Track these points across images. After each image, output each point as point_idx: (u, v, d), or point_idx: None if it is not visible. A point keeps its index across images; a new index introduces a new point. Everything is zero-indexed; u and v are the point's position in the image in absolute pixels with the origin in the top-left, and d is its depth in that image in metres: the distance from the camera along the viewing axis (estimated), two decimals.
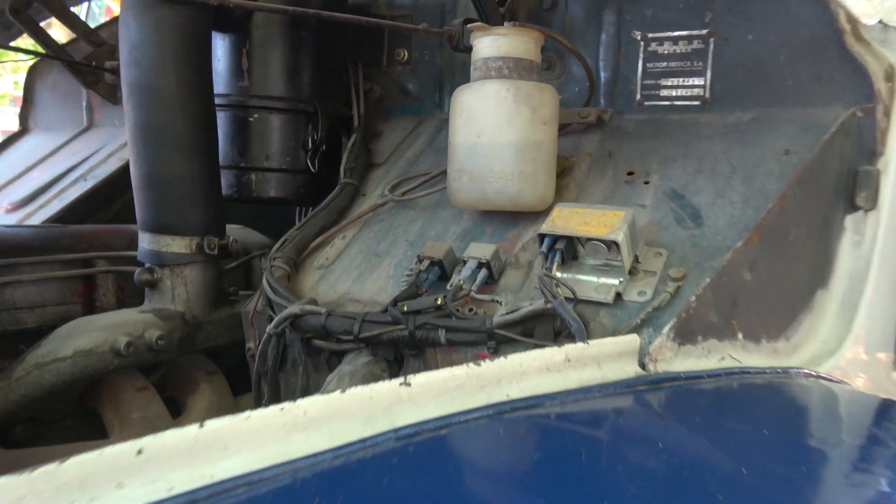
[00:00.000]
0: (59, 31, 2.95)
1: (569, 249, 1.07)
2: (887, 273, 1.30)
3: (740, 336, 1.06)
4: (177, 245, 1.32)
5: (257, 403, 1.23)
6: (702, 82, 1.34)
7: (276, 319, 1.14)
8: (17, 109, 2.64)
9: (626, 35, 1.41)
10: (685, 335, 0.96)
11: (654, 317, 0.98)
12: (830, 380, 1.12)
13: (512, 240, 1.23)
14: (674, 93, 1.38)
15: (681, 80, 1.37)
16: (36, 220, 1.95)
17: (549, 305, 0.97)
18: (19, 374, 1.19)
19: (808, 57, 1.24)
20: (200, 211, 1.34)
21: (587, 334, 0.95)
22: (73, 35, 2.13)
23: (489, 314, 1.05)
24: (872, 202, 1.22)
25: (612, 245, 1.02)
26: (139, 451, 0.52)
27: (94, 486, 0.50)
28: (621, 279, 1.03)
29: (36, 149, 2.38)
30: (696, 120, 1.34)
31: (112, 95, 2.16)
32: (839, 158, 1.21)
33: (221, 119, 1.52)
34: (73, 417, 1.35)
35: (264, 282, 1.25)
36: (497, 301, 1.06)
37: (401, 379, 0.67)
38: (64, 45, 2.19)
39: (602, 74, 1.45)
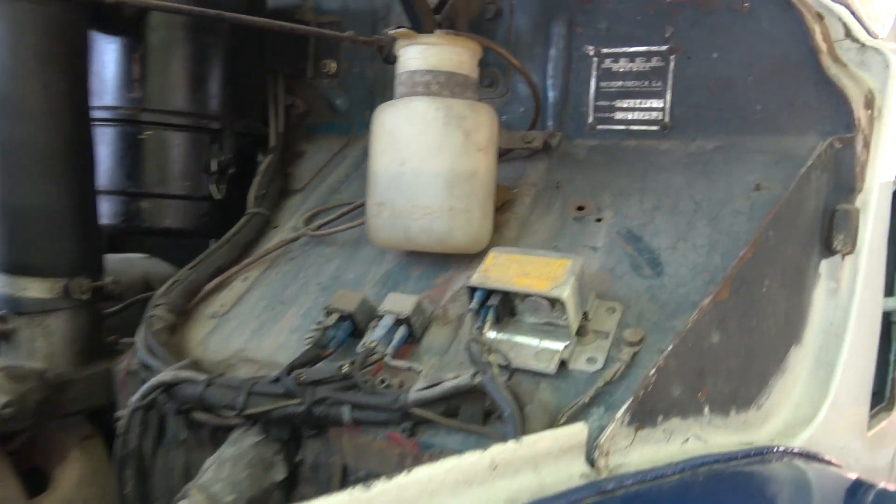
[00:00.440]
0: None
1: (505, 304, 0.88)
2: (866, 325, 1.15)
3: (706, 410, 0.88)
4: (37, 288, 1.08)
5: (120, 492, 1.00)
6: (661, 105, 1.18)
7: (142, 389, 0.92)
8: None
9: (577, 50, 1.24)
10: (643, 417, 0.78)
11: (607, 393, 0.80)
12: (807, 456, 0.96)
13: (440, 286, 1.04)
14: (630, 116, 1.21)
15: (638, 101, 1.20)
16: None
17: (477, 381, 0.77)
18: None
19: (779, 79, 1.09)
20: (68, 247, 1.11)
21: (524, 418, 0.76)
22: None
23: (406, 386, 0.85)
24: (851, 245, 1.07)
25: (556, 302, 0.84)
26: None
27: None
28: (567, 343, 0.85)
29: None
30: (655, 147, 1.17)
31: None
32: (815, 196, 1.05)
33: (107, 136, 1.29)
34: None
35: (138, 336, 1.03)
36: (416, 370, 0.86)
37: None
38: None
39: (550, 93, 1.27)
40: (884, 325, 1.27)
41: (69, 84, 1.11)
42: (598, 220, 1.07)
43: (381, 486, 0.54)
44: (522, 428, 0.74)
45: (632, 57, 1.21)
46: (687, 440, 0.85)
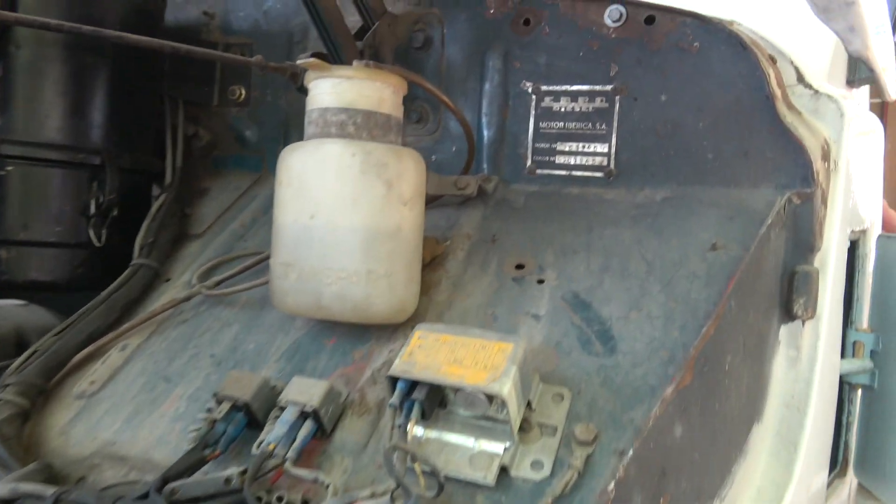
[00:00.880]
0: None
1: (434, 394, 0.73)
2: (827, 393, 1.06)
3: None
4: None
5: None
6: (605, 150, 1.07)
7: None
8: None
9: (514, 86, 1.12)
10: None
11: None
12: None
13: (358, 363, 0.88)
14: (572, 160, 1.10)
15: (581, 144, 1.09)
16: None
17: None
18: None
19: (732, 126, 1.00)
20: None
21: None
22: None
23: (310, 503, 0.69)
24: (812, 310, 0.98)
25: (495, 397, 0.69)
26: None
27: None
28: (507, 444, 0.70)
29: None
30: (600, 196, 1.06)
31: None
32: (774, 256, 0.96)
33: None
34: None
35: None
36: (322, 482, 0.69)
37: None
38: None
39: (485, 132, 1.14)
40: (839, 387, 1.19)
41: None
42: (541, 281, 0.94)
43: None
44: None
45: (573, 96, 1.09)
46: None
